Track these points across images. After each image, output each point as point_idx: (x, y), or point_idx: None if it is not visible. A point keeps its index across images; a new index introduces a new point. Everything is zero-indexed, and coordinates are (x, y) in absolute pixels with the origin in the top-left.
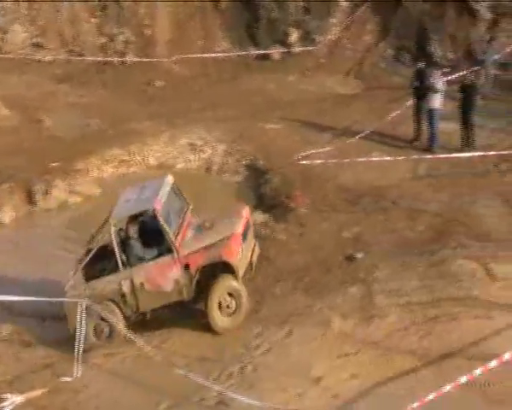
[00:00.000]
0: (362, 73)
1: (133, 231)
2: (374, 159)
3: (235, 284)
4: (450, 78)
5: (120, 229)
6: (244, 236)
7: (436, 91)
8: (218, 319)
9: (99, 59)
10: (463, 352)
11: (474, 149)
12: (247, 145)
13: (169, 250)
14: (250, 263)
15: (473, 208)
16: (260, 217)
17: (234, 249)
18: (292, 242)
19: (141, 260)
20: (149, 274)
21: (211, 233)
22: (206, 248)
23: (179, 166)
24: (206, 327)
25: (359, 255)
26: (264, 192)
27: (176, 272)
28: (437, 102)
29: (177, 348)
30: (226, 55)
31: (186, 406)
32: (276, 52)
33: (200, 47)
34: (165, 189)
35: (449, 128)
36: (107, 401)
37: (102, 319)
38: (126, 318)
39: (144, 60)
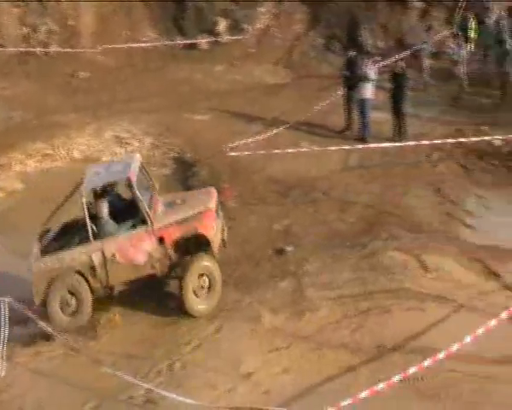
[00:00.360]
0: (291, 62)
1: (103, 201)
2: (303, 149)
3: (208, 263)
4: (380, 65)
5: (90, 203)
6: (217, 212)
7: (368, 81)
8: (193, 301)
9: (21, 49)
10: (396, 345)
11: (406, 139)
12: (175, 137)
13: (142, 222)
14: (222, 239)
15: (404, 199)
16: None
17: (209, 223)
18: None
19: (112, 232)
20: (122, 246)
21: (184, 208)
22: (180, 221)
23: (105, 159)
24: (135, 323)
25: (289, 248)
26: (192, 185)
27: (149, 244)
28: (368, 91)
29: (105, 346)
30: (152, 44)
31: (113, 404)
32: (203, 42)
33: (125, 37)
34: (136, 164)
35: (380, 118)
36: (32, 400)
37: (69, 292)
38: (94, 291)
39: (68, 50)
